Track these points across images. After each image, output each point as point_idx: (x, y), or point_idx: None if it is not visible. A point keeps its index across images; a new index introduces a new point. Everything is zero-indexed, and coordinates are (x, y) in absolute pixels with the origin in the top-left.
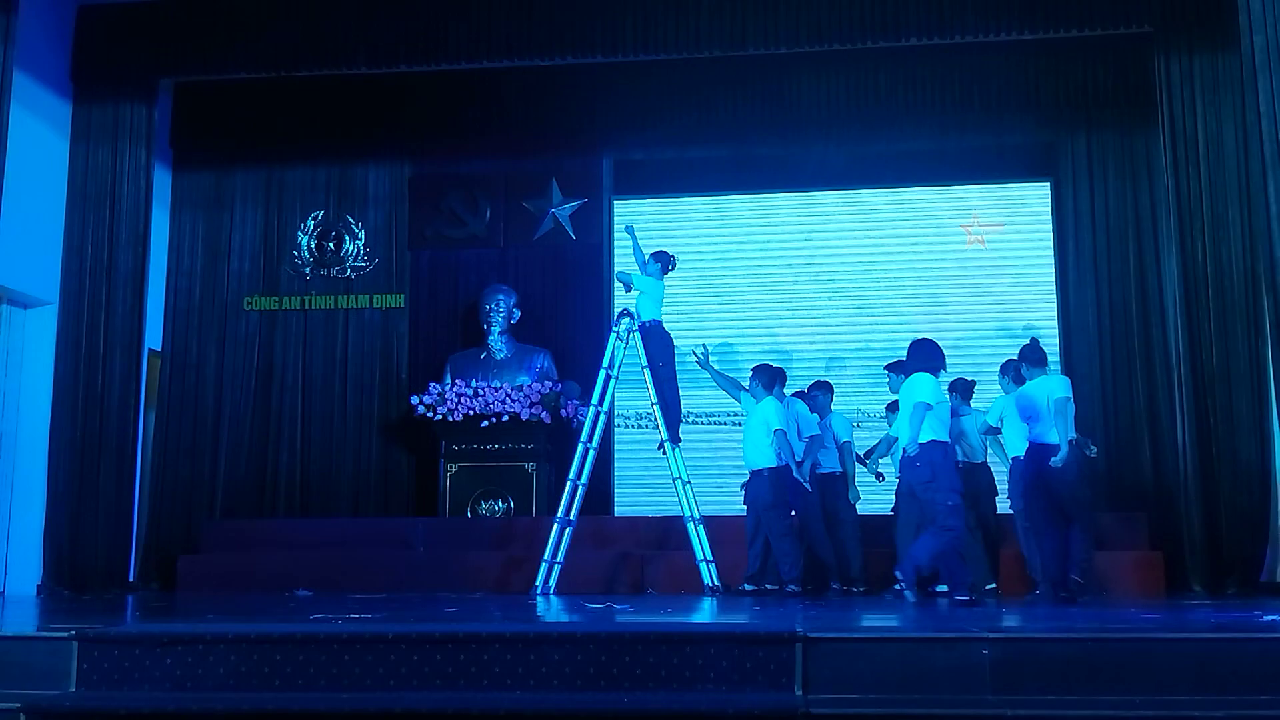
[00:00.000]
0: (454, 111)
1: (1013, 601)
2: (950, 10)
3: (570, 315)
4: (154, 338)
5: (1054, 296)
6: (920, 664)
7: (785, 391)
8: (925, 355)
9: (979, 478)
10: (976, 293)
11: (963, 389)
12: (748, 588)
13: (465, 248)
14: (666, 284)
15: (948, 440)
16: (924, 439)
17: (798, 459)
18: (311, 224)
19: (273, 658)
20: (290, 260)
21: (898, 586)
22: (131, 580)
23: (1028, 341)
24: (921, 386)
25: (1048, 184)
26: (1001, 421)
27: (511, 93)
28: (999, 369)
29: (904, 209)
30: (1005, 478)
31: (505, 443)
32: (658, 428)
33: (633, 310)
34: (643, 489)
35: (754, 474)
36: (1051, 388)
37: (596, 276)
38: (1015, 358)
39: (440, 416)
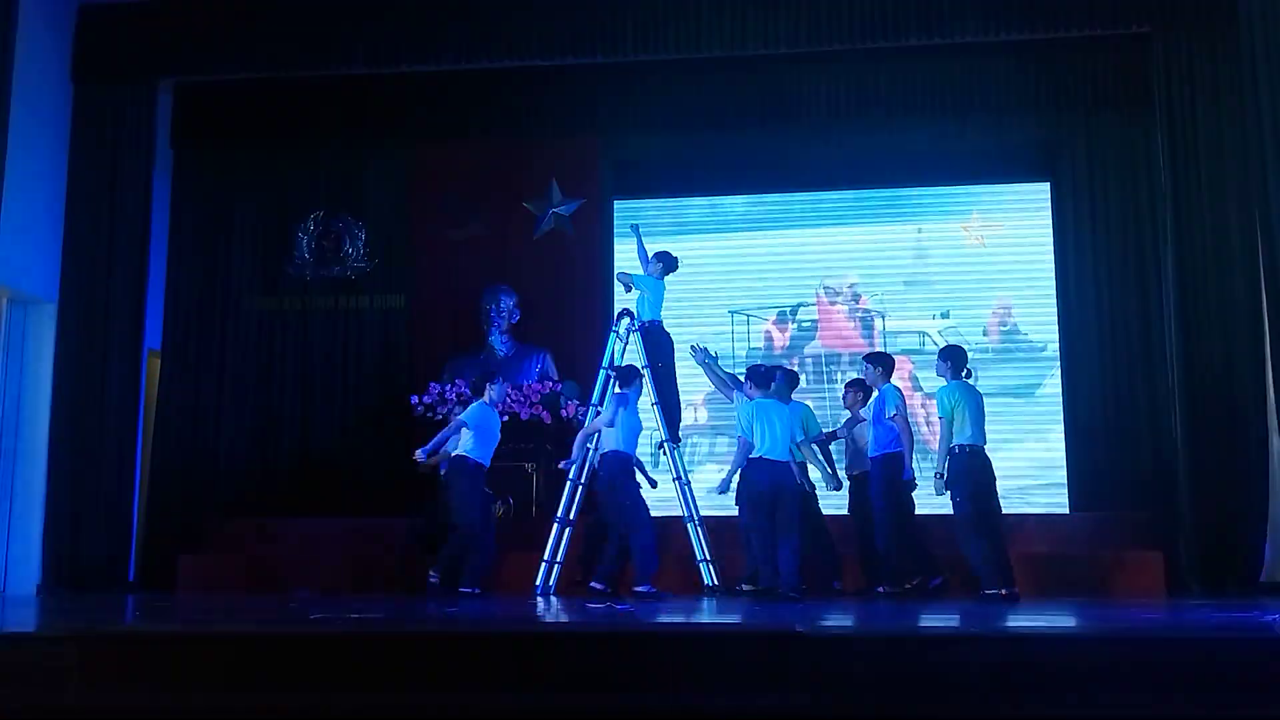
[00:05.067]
0: (454, 111)
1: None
2: (950, 10)
3: (570, 315)
4: (154, 338)
5: (1054, 296)
6: (920, 664)
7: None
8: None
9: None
10: (976, 293)
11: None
12: (746, 588)
13: (465, 248)
14: (666, 284)
15: None
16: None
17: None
18: (311, 224)
19: (272, 658)
20: (290, 260)
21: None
22: (131, 580)
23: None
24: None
25: (1048, 184)
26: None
27: (511, 93)
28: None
29: (904, 209)
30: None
31: (505, 442)
32: (657, 428)
33: (633, 310)
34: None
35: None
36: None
37: (596, 276)
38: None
39: (440, 416)
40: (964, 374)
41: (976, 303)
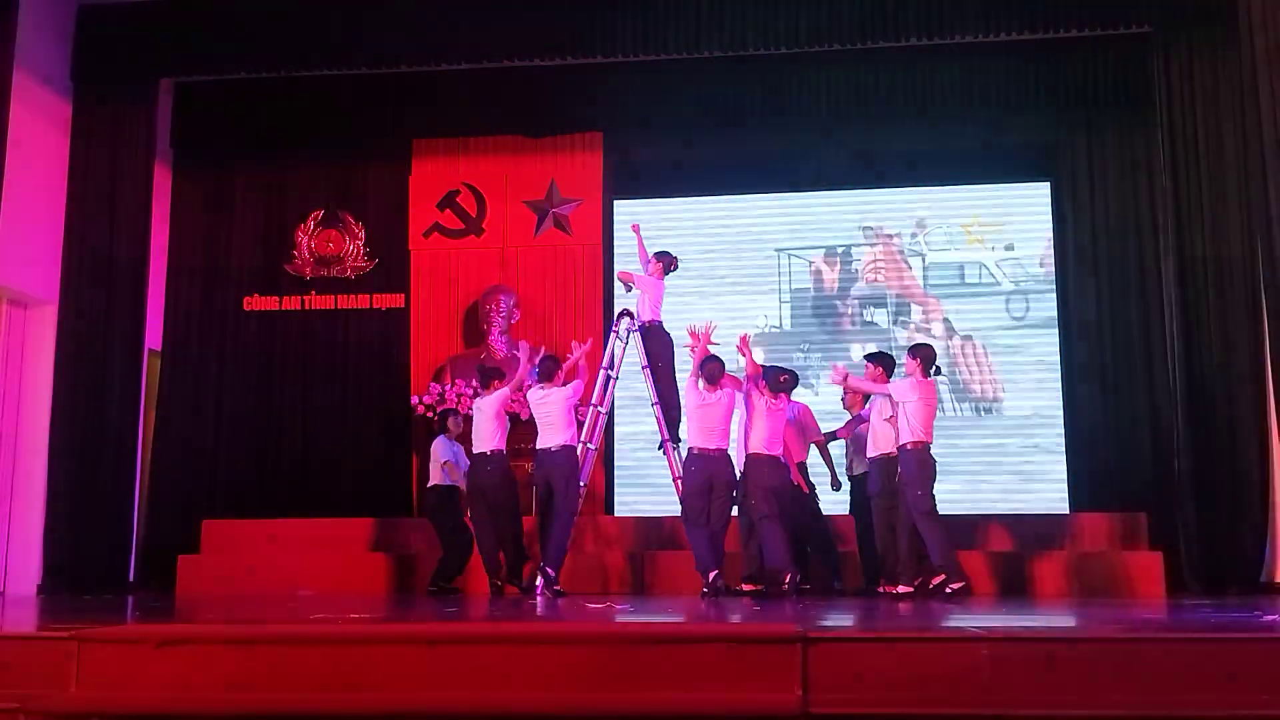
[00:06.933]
0: (453, 111)
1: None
2: (950, 10)
3: (570, 315)
4: (154, 338)
5: (1054, 296)
6: (920, 664)
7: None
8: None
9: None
10: (976, 292)
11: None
12: (746, 587)
13: (465, 248)
14: (666, 284)
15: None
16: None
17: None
18: (311, 224)
19: (273, 658)
20: (290, 260)
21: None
22: (131, 580)
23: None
24: None
25: (1048, 184)
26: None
27: (511, 92)
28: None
29: (904, 209)
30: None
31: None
32: (658, 427)
33: (633, 310)
34: (642, 489)
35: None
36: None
37: (596, 276)
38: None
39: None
40: (933, 371)
41: (976, 303)
